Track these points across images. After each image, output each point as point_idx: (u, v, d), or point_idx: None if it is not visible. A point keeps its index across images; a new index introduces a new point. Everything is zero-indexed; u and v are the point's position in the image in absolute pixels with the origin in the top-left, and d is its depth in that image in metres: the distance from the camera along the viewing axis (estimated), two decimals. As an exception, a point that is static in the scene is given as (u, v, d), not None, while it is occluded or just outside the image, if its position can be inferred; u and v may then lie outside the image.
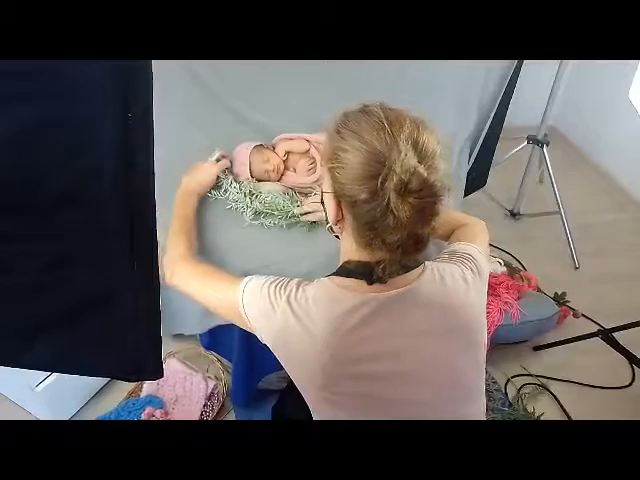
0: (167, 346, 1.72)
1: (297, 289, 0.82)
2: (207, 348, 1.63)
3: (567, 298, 1.97)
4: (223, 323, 1.41)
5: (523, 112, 2.40)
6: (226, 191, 1.35)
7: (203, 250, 1.32)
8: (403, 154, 0.68)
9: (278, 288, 0.83)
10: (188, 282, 0.98)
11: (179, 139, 1.37)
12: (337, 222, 0.81)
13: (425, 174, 0.68)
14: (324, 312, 0.78)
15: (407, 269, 0.79)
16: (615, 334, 1.65)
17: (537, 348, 1.86)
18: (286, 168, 1.44)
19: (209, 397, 1.65)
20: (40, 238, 0.80)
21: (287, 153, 1.44)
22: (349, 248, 0.81)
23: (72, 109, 0.74)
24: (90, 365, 0.91)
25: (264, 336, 0.83)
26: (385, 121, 0.71)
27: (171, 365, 1.71)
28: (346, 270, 0.81)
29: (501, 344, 1.77)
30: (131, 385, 1.68)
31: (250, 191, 1.37)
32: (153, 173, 0.81)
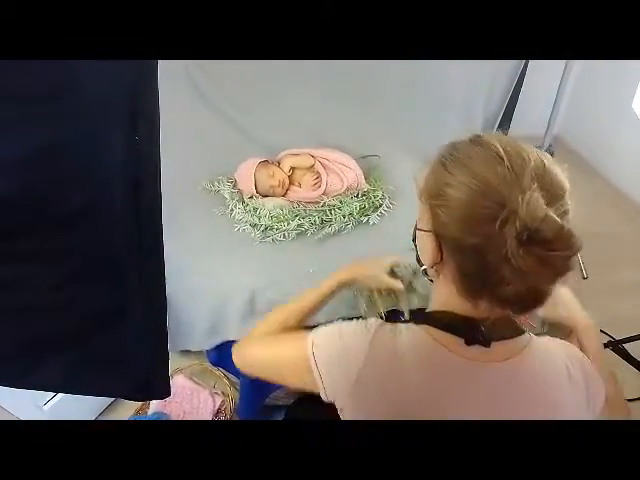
0: (174, 362, 1.72)
1: (382, 332, 0.70)
2: (214, 364, 1.62)
3: (576, 309, 1.95)
4: (230, 339, 1.41)
5: (528, 122, 2.40)
6: (232, 210, 1.37)
7: (211, 274, 1.33)
8: (529, 194, 0.56)
9: (357, 330, 0.71)
10: (256, 355, 0.87)
11: (184, 157, 1.38)
12: (435, 265, 0.70)
13: (559, 221, 0.57)
14: (415, 364, 0.67)
15: (511, 335, 0.69)
16: (626, 345, 1.63)
17: (547, 360, 1.84)
18: (291, 183, 1.45)
19: (216, 413, 1.64)
20: (46, 258, 0.80)
21: (292, 168, 1.45)
22: (448, 297, 0.69)
23: (80, 130, 0.75)
24: (96, 386, 0.91)
25: (332, 390, 0.71)
26: (504, 153, 0.60)
27: (178, 381, 1.71)
28: (443, 323, 0.69)
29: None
30: (138, 402, 1.67)
31: (254, 208, 1.38)
32: (160, 192, 0.81)
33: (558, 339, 0.78)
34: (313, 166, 1.46)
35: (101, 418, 1.66)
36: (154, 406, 1.64)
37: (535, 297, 0.60)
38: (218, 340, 1.44)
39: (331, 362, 0.71)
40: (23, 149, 0.73)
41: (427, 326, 0.70)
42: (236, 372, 1.56)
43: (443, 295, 0.71)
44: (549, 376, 0.70)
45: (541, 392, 0.69)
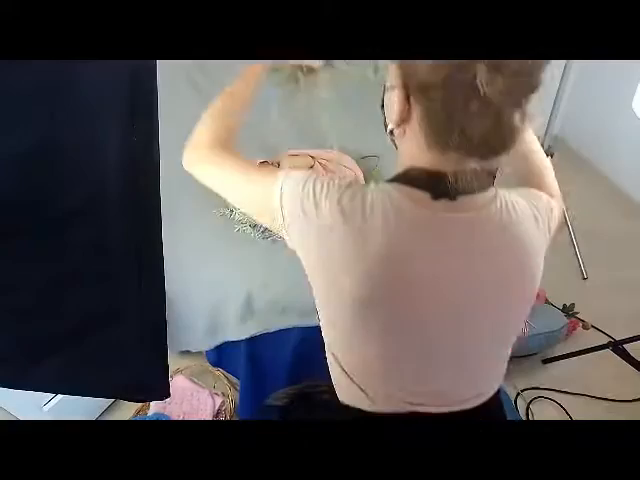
0: (174, 363, 1.71)
1: (351, 190, 0.70)
2: (214, 364, 1.63)
3: (576, 309, 1.95)
4: (230, 339, 1.41)
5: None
6: (232, 211, 1.37)
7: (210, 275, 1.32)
8: None
9: (327, 186, 0.71)
10: (212, 174, 0.84)
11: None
12: (402, 122, 0.69)
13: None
14: (382, 220, 0.67)
15: (478, 190, 0.70)
16: (626, 346, 1.63)
17: (546, 361, 1.84)
18: (291, 184, 1.45)
19: (216, 414, 1.64)
20: (44, 257, 0.80)
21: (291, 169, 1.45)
22: (415, 151, 0.70)
23: (77, 129, 0.75)
24: (96, 386, 0.91)
25: (296, 237, 0.72)
26: None
27: (178, 382, 1.71)
28: (409, 178, 0.70)
29: (510, 357, 1.75)
30: (138, 403, 1.67)
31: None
32: (159, 192, 0.81)
33: (522, 189, 0.81)
34: (312, 167, 1.46)
35: (102, 417, 1.66)
36: (154, 407, 1.63)
37: (502, 137, 0.62)
38: (218, 341, 1.45)
39: (295, 213, 0.71)
40: (21, 148, 0.73)
41: (395, 184, 0.71)
42: (236, 373, 1.57)
43: (411, 151, 0.71)
44: (517, 225, 0.72)
45: (510, 241, 0.72)
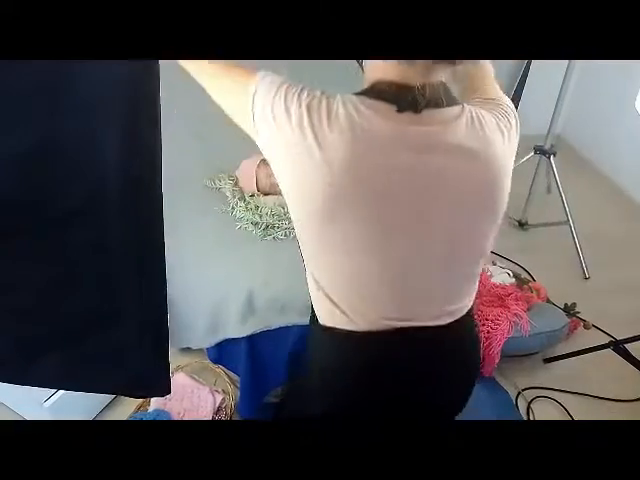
0: (174, 360, 1.72)
1: (320, 99, 0.71)
2: (214, 362, 1.63)
3: (577, 309, 1.95)
4: (230, 337, 1.42)
5: (529, 122, 2.39)
6: (233, 208, 1.37)
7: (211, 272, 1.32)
8: None
9: (298, 92, 0.71)
10: (202, 71, 0.81)
11: (186, 154, 1.38)
12: None
13: None
14: (348, 131, 0.68)
15: (443, 104, 0.71)
16: (627, 345, 1.63)
17: (547, 360, 1.84)
18: (292, 181, 1.44)
19: (217, 411, 1.64)
20: (46, 255, 0.80)
21: (293, 166, 1.45)
22: (382, 65, 0.71)
23: (79, 127, 0.75)
24: (98, 382, 0.91)
25: (265, 140, 0.73)
26: None
27: (178, 379, 1.71)
28: (376, 91, 0.71)
29: (511, 356, 1.75)
30: (139, 399, 1.67)
31: (256, 206, 1.38)
32: (161, 189, 0.81)
33: (487, 103, 0.82)
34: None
35: (102, 415, 1.66)
36: (154, 403, 1.64)
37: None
38: (218, 338, 1.45)
39: (265, 116, 0.71)
40: (22, 148, 0.73)
41: (362, 97, 0.71)
42: (236, 370, 1.57)
43: (377, 67, 0.72)
44: (484, 140, 0.74)
45: (476, 156, 0.73)
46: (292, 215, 0.77)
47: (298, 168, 0.71)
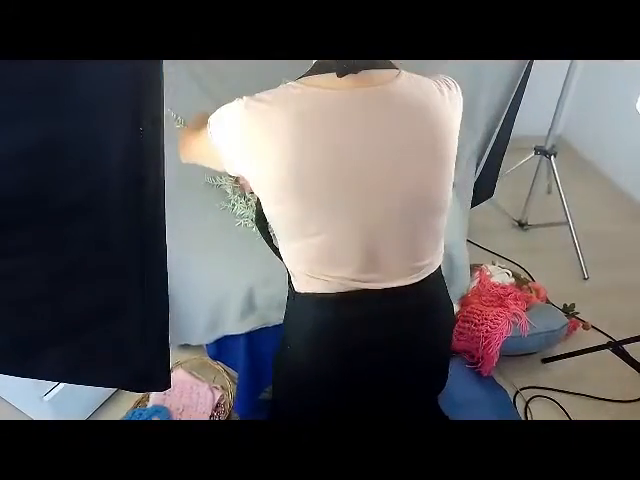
0: (174, 356, 1.72)
1: (254, 101, 0.77)
2: (213, 358, 1.63)
3: (576, 309, 1.95)
4: (230, 334, 1.42)
5: (530, 122, 2.40)
6: (234, 205, 1.37)
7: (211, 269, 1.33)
8: None
9: (235, 103, 0.78)
10: (190, 149, 0.96)
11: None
12: None
13: None
14: (293, 115, 0.74)
15: (380, 67, 0.78)
16: (626, 346, 1.63)
17: (546, 360, 1.84)
18: (293, 179, 1.45)
19: (215, 407, 1.65)
20: (49, 250, 0.81)
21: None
22: None
23: (83, 124, 0.75)
24: (99, 376, 0.92)
25: (228, 155, 0.81)
26: None
27: (178, 375, 1.71)
28: (315, 68, 0.78)
29: (510, 356, 1.76)
30: (138, 395, 1.68)
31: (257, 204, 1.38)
32: (163, 186, 0.82)
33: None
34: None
35: (102, 409, 1.67)
36: (154, 399, 1.64)
37: None
38: (217, 335, 1.45)
39: (222, 134, 0.79)
40: (26, 144, 0.73)
41: (302, 78, 0.77)
42: (235, 366, 1.57)
43: None
44: (422, 96, 0.79)
45: (417, 110, 0.79)
46: (262, 202, 0.84)
47: (260, 154, 0.76)
